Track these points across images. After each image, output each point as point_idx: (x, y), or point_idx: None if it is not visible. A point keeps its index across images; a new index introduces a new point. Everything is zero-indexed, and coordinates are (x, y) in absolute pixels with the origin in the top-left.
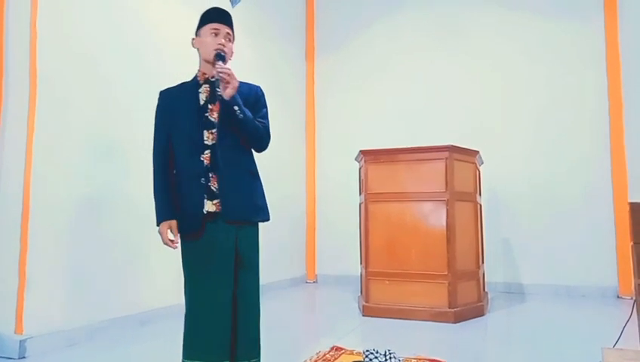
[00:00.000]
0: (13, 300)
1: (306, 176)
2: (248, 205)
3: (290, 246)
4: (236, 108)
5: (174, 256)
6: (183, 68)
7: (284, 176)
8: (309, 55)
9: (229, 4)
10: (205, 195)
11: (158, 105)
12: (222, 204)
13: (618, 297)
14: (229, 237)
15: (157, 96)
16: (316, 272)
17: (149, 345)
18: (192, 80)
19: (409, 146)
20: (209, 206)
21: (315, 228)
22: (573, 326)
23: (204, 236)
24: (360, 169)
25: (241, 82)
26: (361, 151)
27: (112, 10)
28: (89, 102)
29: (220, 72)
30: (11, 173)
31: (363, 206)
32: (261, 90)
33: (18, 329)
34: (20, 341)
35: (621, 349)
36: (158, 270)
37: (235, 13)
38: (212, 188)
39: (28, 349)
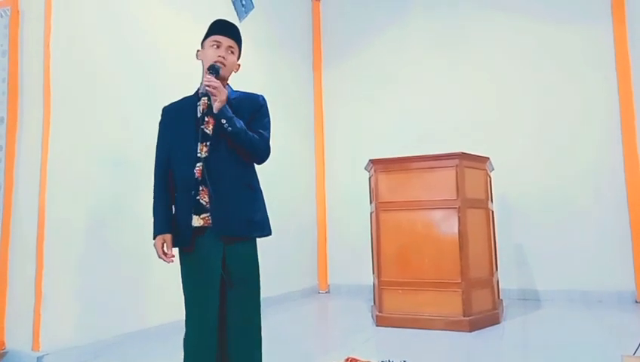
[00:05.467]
0: (30, 318)
1: (316, 185)
2: (240, 219)
3: (301, 257)
4: (223, 121)
5: None
6: (192, 84)
7: (293, 186)
8: (317, 65)
9: (237, 18)
10: (193, 209)
11: (160, 121)
12: (211, 218)
13: (636, 302)
14: (217, 254)
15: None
16: (328, 282)
17: (161, 360)
18: (194, 93)
19: (419, 154)
20: (196, 220)
21: (326, 238)
22: (591, 333)
23: (195, 251)
24: (370, 178)
25: (242, 92)
26: (370, 160)
27: (122, 29)
28: (101, 121)
29: (207, 85)
30: (27, 193)
31: (374, 215)
32: (263, 100)
33: (35, 345)
34: (37, 357)
35: None
36: (169, 285)
37: (241, 24)
38: (201, 201)
39: None
